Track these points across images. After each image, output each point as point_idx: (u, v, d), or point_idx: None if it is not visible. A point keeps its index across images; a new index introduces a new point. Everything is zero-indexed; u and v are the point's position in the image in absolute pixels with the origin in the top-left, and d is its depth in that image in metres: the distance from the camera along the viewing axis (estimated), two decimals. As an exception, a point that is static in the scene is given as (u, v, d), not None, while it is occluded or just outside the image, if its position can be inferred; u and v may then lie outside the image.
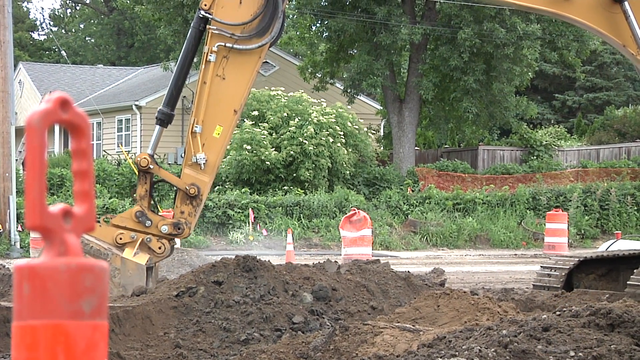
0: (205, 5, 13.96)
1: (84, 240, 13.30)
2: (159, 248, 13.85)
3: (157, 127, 14.43)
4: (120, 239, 13.78)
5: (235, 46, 13.90)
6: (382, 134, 48.07)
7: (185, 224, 13.88)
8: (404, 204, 35.47)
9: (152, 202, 14.28)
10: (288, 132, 35.37)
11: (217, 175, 34.43)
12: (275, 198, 33.49)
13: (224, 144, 14.22)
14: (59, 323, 1.99)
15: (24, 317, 2.00)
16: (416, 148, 43.33)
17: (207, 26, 14.00)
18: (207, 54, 13.95)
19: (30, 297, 2.00)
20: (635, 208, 37.62)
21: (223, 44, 13.90)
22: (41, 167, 2.00)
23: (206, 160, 14.01)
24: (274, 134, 35.81)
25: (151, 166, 13.99)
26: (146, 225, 13.85)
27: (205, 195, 14.20)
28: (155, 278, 14.31)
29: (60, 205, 2.03)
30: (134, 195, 14.35)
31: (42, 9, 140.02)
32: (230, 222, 32.09)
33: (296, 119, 35.76)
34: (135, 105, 45.81)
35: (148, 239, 13.81)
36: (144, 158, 14.00)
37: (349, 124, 37.26)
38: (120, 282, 13.24)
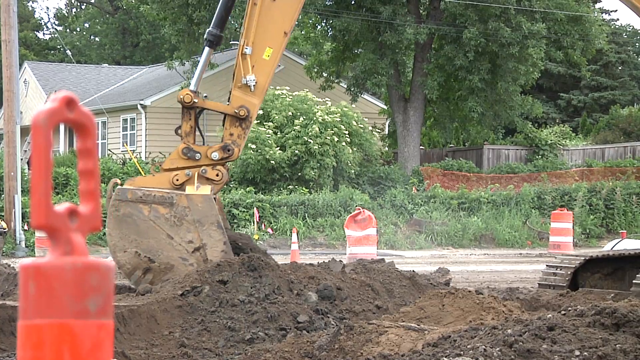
0: None
1: (144, 191, 13.51)
2: (217, 175, 14.00)
3: (206, 48, 14.46)
4: (177, 179, 13.90)
5: None
6: (386, 133, 48.04)
7: (233, 144, 13.98)
8: (409, 203, 35.46)
9: (198, 134, 14.39)
10: (293, 131, 35.36)
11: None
12: (280, 197, 33.49)
13: (273, 67, 14.24)
14: (65, 322, 1.99)
15: (29, 316, 2.01)
16: (421, 147, 43.30)
17: None
18: None
19: (36, 296, 2.00)
20: (641, 207, 37.60)
21: None
22: (47, 166, 2.00)
23: (256, 82, 14.04)
24: (278, 133, 35.81)
25: (195, 100, 14.06)
26: (196, 158, 13.98)
27: (254, 117, 14.27)
28: (222, 209, 14.39)
29: (66, 205, 2.03)
30: (179, 132, 14.36)
31: (47, 8, 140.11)
32: (235, 221, 32.09)
33: (301, 118, 35.75)
34: (140, 104, 45.81)
35: (203, 171, 13.94)
36: (187, 94, 14.09)
37: (354, 123, 37.25)
38: (194, 219, 13.36)
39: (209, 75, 39.67)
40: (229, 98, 14.36)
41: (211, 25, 14.45)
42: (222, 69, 43.26)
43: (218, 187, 14.12)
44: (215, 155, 13.97)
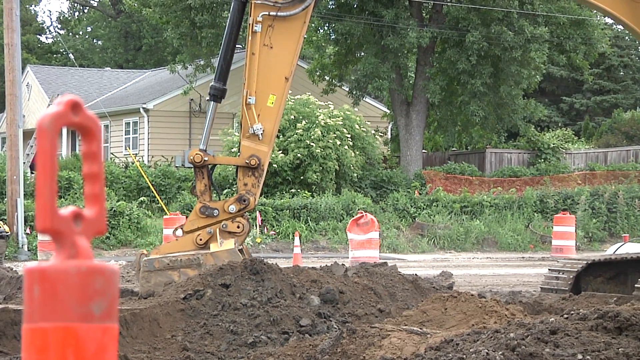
0: None
1: (170, 258, 13.61)
2: (238, 227, 14.13)
3: (212, 103, 14.60)
4: (201, 239, 14.04)
5: (279, 14, 14.06)
6: (389, 136, 48.05)
7: (247, 194, 14.10)
8: (412, 206, 35.45)
9: (213, 191, 14.52)
10: (295, 135, 35.37)
11: (224, 178, 34.51)
12: (282, 201, 33.49)
13: (279, 113, 14.38)
14: (69, 326, 1.99)
15: (34, 320, 2.01)
16: (423, 151, 43.31)
17: None
18: (252, 25, 14.10)
19: (40, 300, 2.00)
20: (643, 211, 37.58)
21: (267, 13, 14.07)
22: (52, 169, 2.00)
23: (263, 130, 14.17)
24: (281, 136, 35.81)
25: (206, 158, 14.21)
26: (215, 215, 14.12)
27: (266, 165, 14.40)
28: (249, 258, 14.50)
29: (71, 208, 2.03)
30: (194, 192, 14.51)
31: (50, 12, 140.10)
32: (238, 224, 32.03)
33: (303, 122, 35.75)
34: (143, 108, 45.83)
35: (224, 226, 14.08)
36: (197, 154, 14.25)
37: (357, 126, 37.26)
38: None
39: (209, 79, 39.63)
40: (239, 148, 14.51)
41: (214, 80, 14.62)
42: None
43: (241, 238, 14.26)
44: (233, 208, 14.11)
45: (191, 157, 14.28)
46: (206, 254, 13.74)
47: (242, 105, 14.27)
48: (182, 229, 14.56)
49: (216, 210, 14.15)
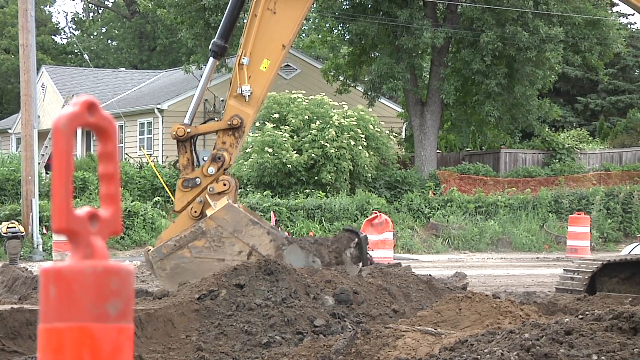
0: None
1: (175, 239, 13.69)
2: (224, 185, 14.21)
3: (211, 59, 14.57)
4: (195, 211, 14.14)
5: None
6: (403, 137, 48.00)
7: (220, 151, 14.16)
8: (426, 207, 35.41)
9: (196, 161, 14.55)
10: (309, 135, 35.35)
11: (238, 179, 34.49)
12: (296, 201, 33.48)
13: (270, 79, 14.36)
14: (85, 326, 2.00)
15: (50, 320, 2.01)
16: (438, 151, 43.24)
17: None
18: None
19: (56, 300, 2.01)
20: (658, 211, 37.45)
21: None
22: (68, 170, 2.01)
23: (251, 93, 14.16)
24: (295, 136, 35.80)
25: (189, 130, 14.24)
26: (197, 183, 14.19)
27: (248, 127, 14.42)
28: (249, 210, 14.55)
29: (87, 208, 2.04)
30: (177, 165, 14.56)
31: (65, 12, 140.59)
32: (252, 225, 32.06)
33: (317, 122, 35.73)
34: (157, 108, 45.90)
35: (211, 189, 14.17)
36: (179, 128, 14.28)
37: (371, 126, 37.21)
38: (230, 231, 13.51)
39: (224, 79, 39.62)
40: (224, 106, 14.53)
41: (216, 36, 14.57)
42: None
43: (232, 194, 14.25)
44: (212, 170, 14.15)
45: (174, 132, 14.29)
46: (205, 220, 13.77)
47: (235, 64, 14.28)
48: (174, 210, 14.60)
49: (197, 179, 14.20)
